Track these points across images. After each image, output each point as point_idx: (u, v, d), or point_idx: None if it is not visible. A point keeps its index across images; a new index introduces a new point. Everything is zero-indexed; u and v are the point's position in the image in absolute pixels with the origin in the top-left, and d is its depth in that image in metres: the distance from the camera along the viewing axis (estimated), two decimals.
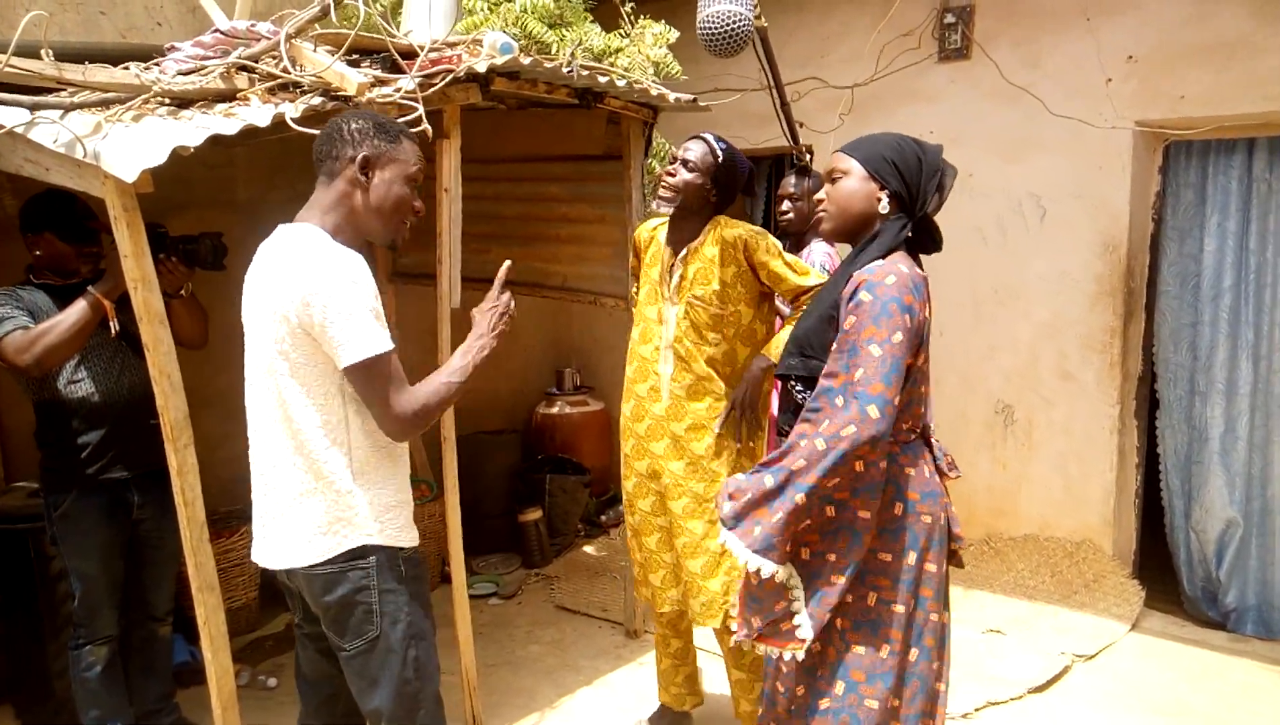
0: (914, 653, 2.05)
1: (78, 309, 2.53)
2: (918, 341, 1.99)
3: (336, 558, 1.94)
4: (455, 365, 2.05)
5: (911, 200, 2.05)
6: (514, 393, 5.52)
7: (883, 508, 2.00)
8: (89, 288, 2.56)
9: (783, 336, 2.68)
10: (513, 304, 2.23)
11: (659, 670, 3.14)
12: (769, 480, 1.94)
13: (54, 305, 2.64)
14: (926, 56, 4.43)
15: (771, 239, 2.72)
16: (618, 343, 5.25)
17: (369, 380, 1.88)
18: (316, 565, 1.95)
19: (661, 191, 2.74)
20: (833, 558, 1.98)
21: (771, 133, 4.77)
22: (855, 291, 1.96)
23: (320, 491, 1.93)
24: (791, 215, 3.55)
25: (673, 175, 2.71)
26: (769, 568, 1.94)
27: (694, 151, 2.71)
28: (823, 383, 1.95)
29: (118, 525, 2.80)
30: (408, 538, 2.06)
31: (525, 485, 4.89)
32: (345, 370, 1.87)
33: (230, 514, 4.00)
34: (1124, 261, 4.02)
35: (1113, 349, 4.09)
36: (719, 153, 2.71)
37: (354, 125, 1.96)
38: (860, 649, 2.02)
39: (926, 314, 2.04)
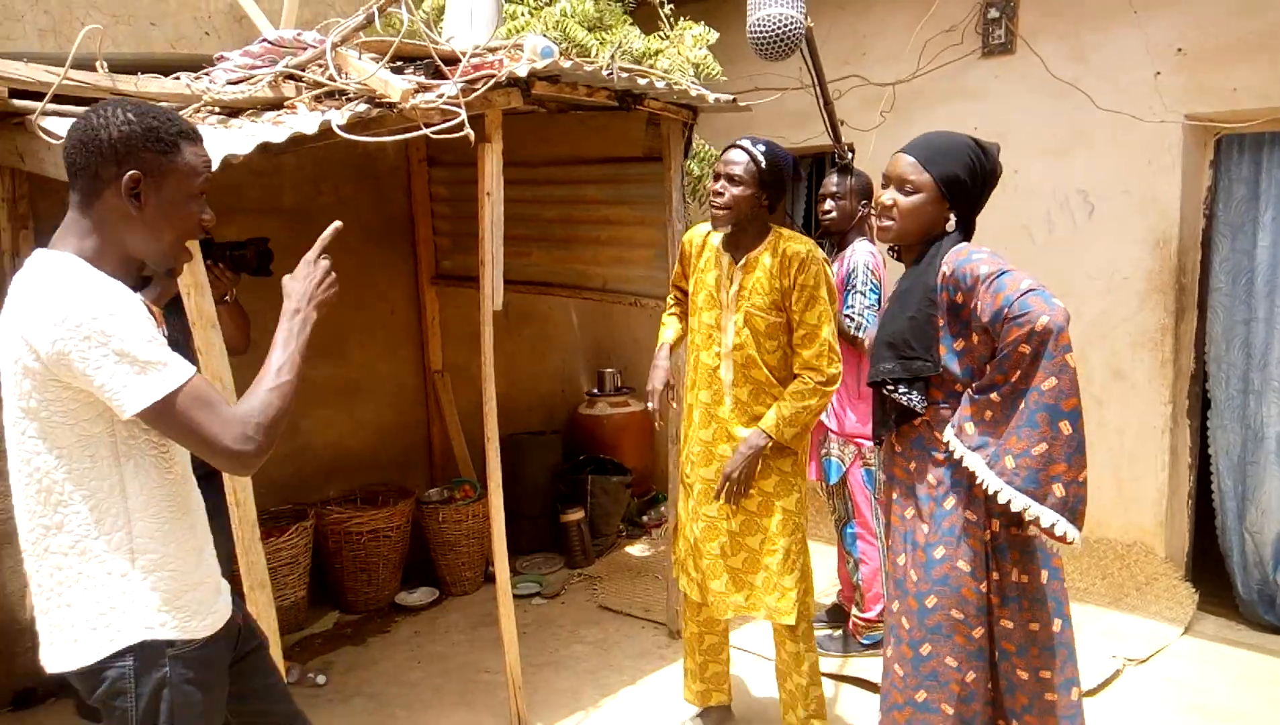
0: (1057, 623, 2.11)
1: None
2: None
3: (107, 658, 1.58)
4: (276, 362, 1.65)
5: (971, 210, 2.15)
6: (555, 394, 5.55)
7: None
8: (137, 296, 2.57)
9: (779, 412, 2.66)
10: (333, 272, 1.80)
11: (686, 668, 3.12)
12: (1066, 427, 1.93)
13: None
14: (969, 52, 4.37)
15: (828, 277, 2.69)
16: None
17: (173, 421, 1.51)
18: (86, 667, 1.59)
19: (714, 212, 2.68)
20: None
21: (812, 131, 4.75)
22: (980, 282, 1.99)
23: (88, 579, 1.57)
24: (834, 214, 3.52)
25: (720, 193, 2.66)
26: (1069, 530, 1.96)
27: (737, 165, 2.65)
28: (1012, 343, 1.95)
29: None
30: (201, 624, 1.67)
31: (567, 486, 4.91)
32: (138, 418, 1.51)
33: (280, 513, 4.08)
34: (1175, 258, 3.94)
35: (1164, 347, 4.01)
36: (760, 157, 2.65)
37: (114, 132, 1.54)
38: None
39: None
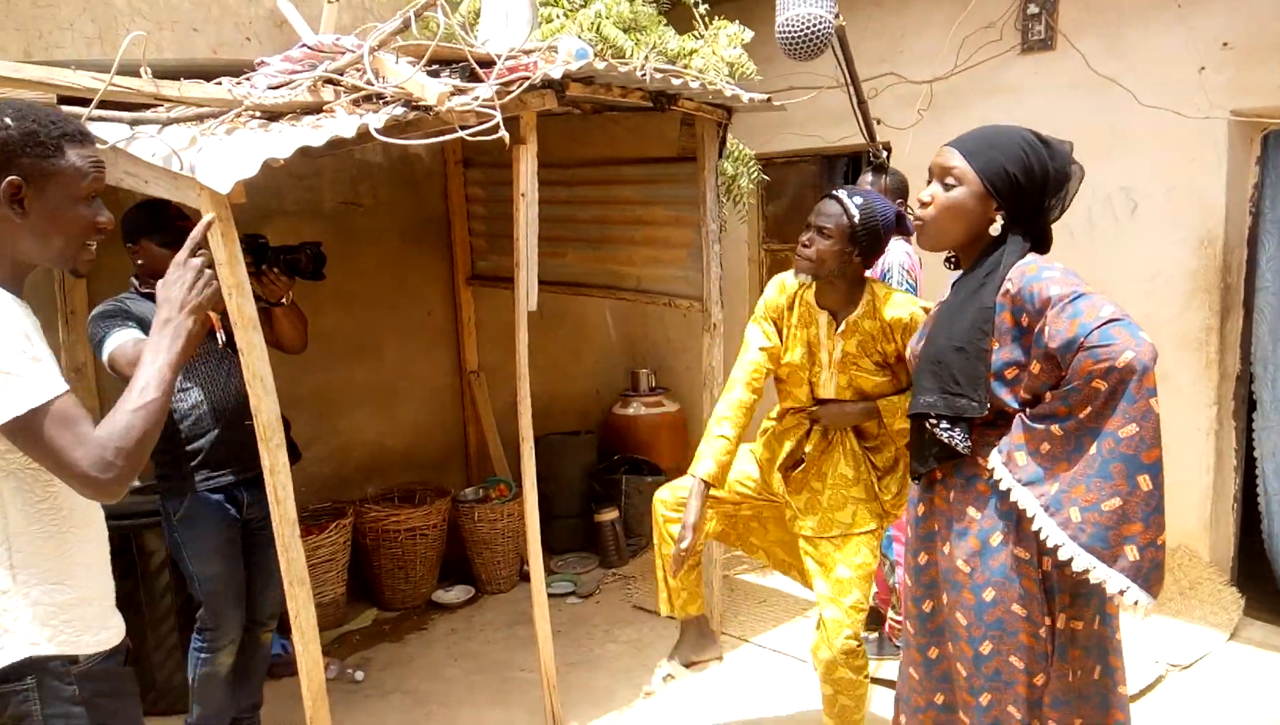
0: (1097, 670, 1.95)
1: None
2: None
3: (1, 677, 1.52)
4: (141, 381, 1.55)
5: (1030, 215, 1.88)
6: (589, 394, 5.57)
7: None
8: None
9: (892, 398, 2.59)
10: (210, 270, 1.73)
11: (668, 586, 2.87)
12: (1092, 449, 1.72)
13: None
14: (1009, 49, 4.32)
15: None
16: (692, 344, 5.27)
17: (32, 439, 1.45)
18: None
19: (799, 263, 2.56)
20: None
21: (847, 130, 4.72)
22: (1050, 305, 1.75)
23: None
24: None
25: (808, 245, 2.53)
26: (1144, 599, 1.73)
27: (829, 218, 2.51)
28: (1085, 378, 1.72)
29: (233, 527, 2.87)
30: (94, 640, 1.61)
31: (601, 486, 4.93)
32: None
33: (320, 511, 4.13)
34: (1220, 256, 3.86)
35: (1209, 347, 3.93)
36: (855, 211, 2.49)
37: None
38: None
39: None
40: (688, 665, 3.04)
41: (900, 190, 3.50)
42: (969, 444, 1.88)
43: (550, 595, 3.89)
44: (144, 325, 2.58)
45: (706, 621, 3.09)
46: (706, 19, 3.66)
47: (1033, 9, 4.20)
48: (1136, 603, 1.71)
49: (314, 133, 2.41)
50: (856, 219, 2.48)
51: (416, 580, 4.28)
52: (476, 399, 4.84)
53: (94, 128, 2.45)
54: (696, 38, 3.64)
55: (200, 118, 2.54)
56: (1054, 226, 4.69)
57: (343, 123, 2.48)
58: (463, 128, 2.55)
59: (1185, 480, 4.04)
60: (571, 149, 4.19)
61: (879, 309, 2.56)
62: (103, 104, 2.44)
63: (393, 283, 4.55)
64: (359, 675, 3.66)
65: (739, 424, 2.64)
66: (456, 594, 4.39)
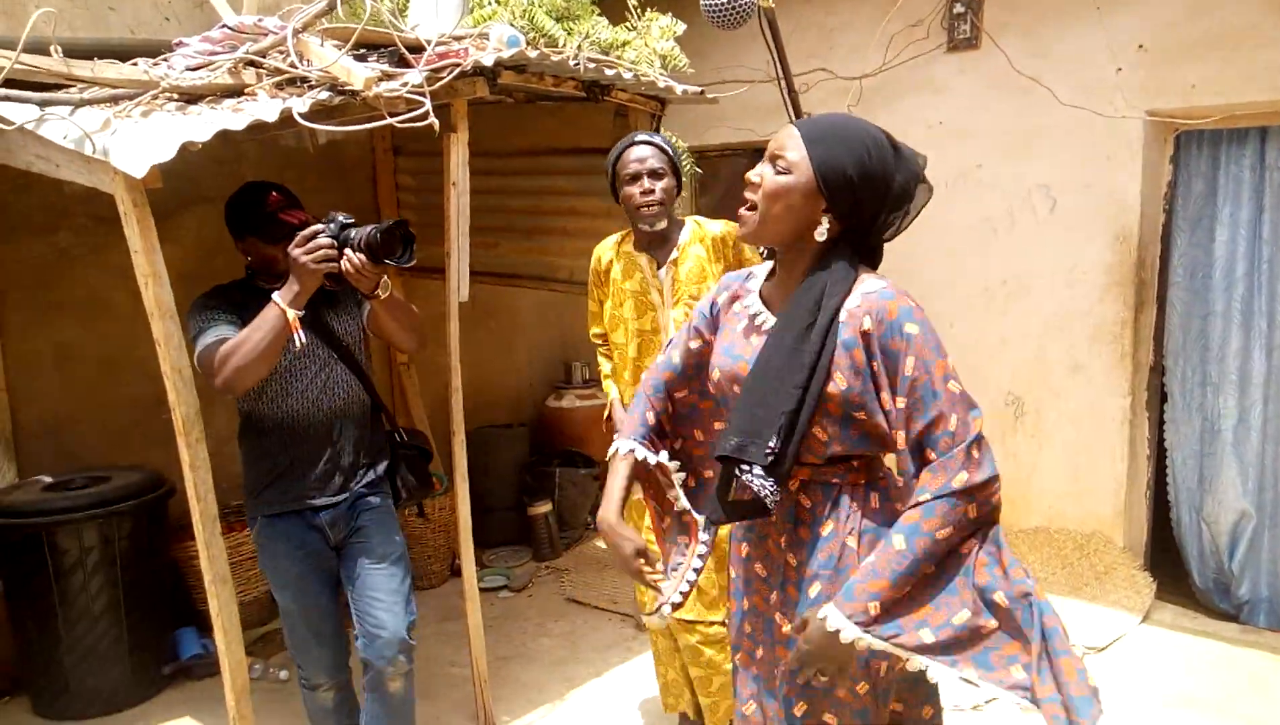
0: None
1: (263, 323, 2.21)
2: None
3: None
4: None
5: (862, 227, 1.62)
6: (522, 386, 5.53)
7: None
8: (273, 297, 2.23)
9: None
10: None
11: (666, 682, 2.95)
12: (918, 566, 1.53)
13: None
14: (935, 46, 4.40)
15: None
16: None
17: None
18: None
19: (645, 211, 2.74)
20: None
21: (779, 123, 4.75)
22: (886, 325, 1.55)
23: None
24: None
25: (649, 191, 2.72)
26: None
27: (655, 158, 2.76)
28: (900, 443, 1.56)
29: (313, 557, 2.50)
30: None
31: (535, 478, 4.90)
32: None
33: (241, 507, 4.01)
34: (1135, 252, 4.00)
35: (1123, 340, 4.07)
36: (667, 146, 2.79)
37: None
38: None
39: None
40: None
41: None
42: (778, 497, 1.60)
43: (483, 589, 3.86)
44: (245, 320, 2.29)
45: None
46: (639, 10, 3.65)
47: (958, 8, 4.29)
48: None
49: (234, 116, 2.34)
50: (671, 150, 2.79)
51: None
52: (406, 391, 4.76)
53: (0, 107, 2.34)
54: (629, 29, 3.63)
55: (115, 99, 2.45)
56: (977, 224, 4.79)
57: (265, 106, 2.41)
58: (392, 115, 2.50)
59: (1099, 469, 4.18)
60: (504, 138, 4.15)
61: (704, 232, 2.82)
62: (9, 83, 2.33)
63: None
64: (284, 674, 3.58)
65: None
66: None
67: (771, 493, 1.57)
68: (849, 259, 1.62)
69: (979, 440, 1.54)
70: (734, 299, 1.81)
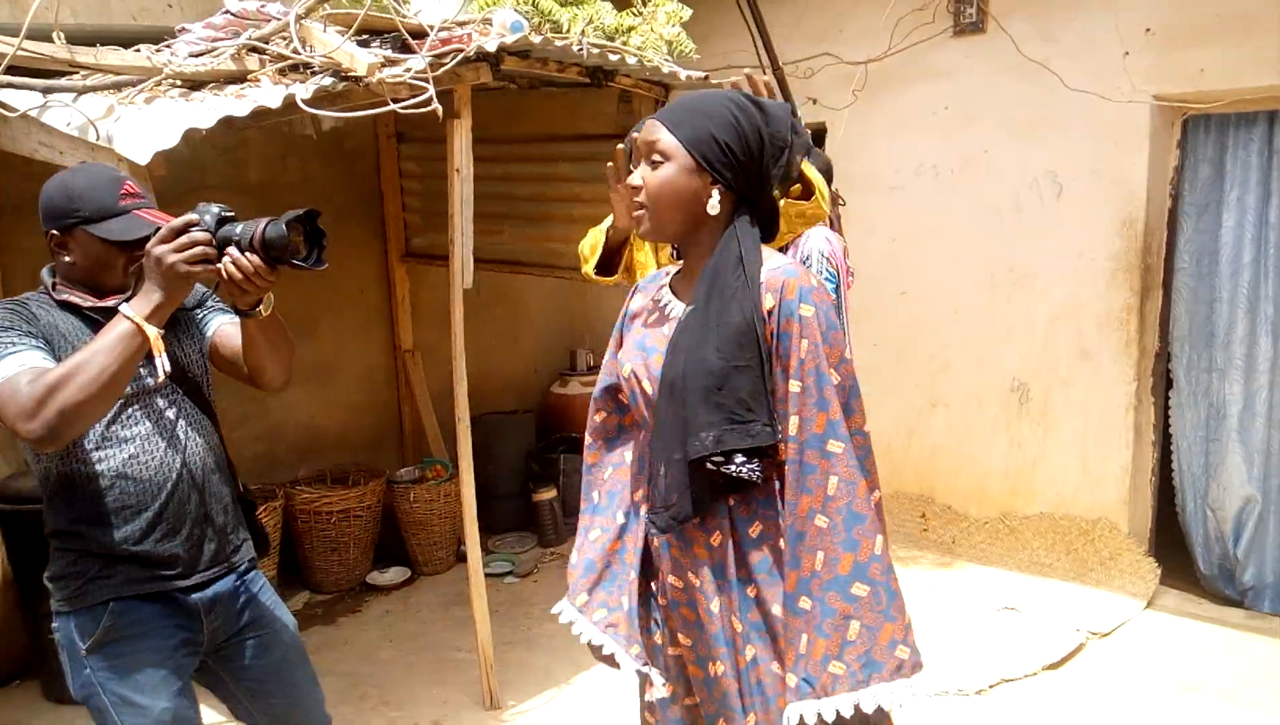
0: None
1: (110, 343, 1.61)
2: None
3: None
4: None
5: (752, 190, 1.61)
6: (527, 373, 5.53)
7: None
8: (120, 309, 1.64)
9: None
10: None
11: None
12: (865, 588, 1.49)
13: (87, 334, 1.77)
14: (941, 31, 4.38)
15: None
16: None
17: None
18: None
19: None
20: None
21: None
22: (784, 303, 1.52)
23: None
24: None
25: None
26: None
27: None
28: (838, 434, 1.49)
29: (181, 654, 1.87)
30: None
31: (540, 465, 4.91)
32: None
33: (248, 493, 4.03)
34: (1141, 238, 3.98)
35: (1129, 326, 4.06)
36: None
37: None
38: None
39: None
40: None
41: (824, 171, 3.45)
42: (762, 472, 1.54)
43: (488, 575, 3.87)
44: (53, 345, 1.74)
45: None
46: None
47: None
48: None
49: (237, 103, 2.34)
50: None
51: (350, 563, 4.22)
52: (412, 378, 4.77)
53: (3, 94, 2.34)
54: (635, 14, 3.61)
55: (118, 86, 2.45)
56: (983, 210, 4.77)
57: (268, 93, 2.41)
58: (395, 101, 2.50)
59: (1105, 455, 4.18)
60: (508, 124, 4.14)
61: None
62: (12, 69, 2.33)
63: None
64: None
65: None
66: (392, 575, 4.34)
67: (759, 472, 1.53)
68: (750, 226, 1.61)
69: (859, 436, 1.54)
70: (643, 299, 1.78)
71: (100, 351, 1.60)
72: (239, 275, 1.67)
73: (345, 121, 2.53)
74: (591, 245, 2.59)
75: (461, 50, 2.66)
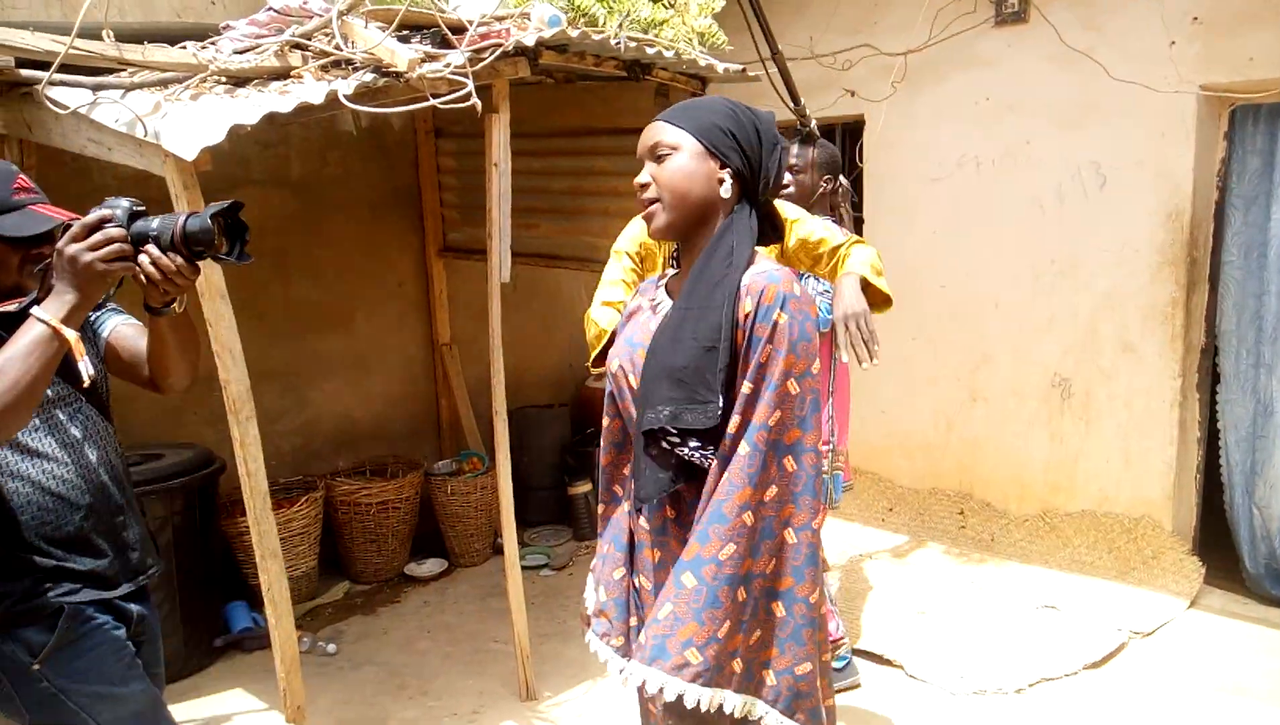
0: None
1: (25, 348, 1.52)
2: None
3: None
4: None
5: (755, 180, 1.65)
6: (563, 367, 5.55)
7: None
8: (33, 312, 1.55)
9: (859, 256, 2.41)
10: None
11: None
12: (689, 580, 1.54)
13: None
14: (983, 20, 4.32)
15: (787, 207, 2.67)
16: None
17: None
18: None
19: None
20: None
21: (823, 101, 4.72)
22: (761, 308, 1.54)
23: None
24: (793, 188, 3.21)
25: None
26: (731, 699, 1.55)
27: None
28: (750, 439, 1.52)
29: (132, 648, 1.85)
30: None
31: (574, 458, 4.93)
32: None
33: (290, 484, 4.10)
34: (1187, 230, 3.90)
35: (1175, 320, 3.98)
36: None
37: None
38: None
39: None
40: None
41: (830, 164, 3.31)
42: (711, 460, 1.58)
43: (523, 568, 3.89)
44: None
45: None
46: None
47: None
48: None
49: (281, 99, 2.37)
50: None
51: (389, 553, 4.27)
52: (449, 371, 4.81)
53: (55, 92, 2.39)
54: (667, 6, 3.60)
55: (165, 83, 2.49)
56: (1024, 202, 4.70)
57: (311, 89, 2.44)
58: (434, 96, 2.51)
59: (1149, 451, 4.11)
60: (544, 119, 4.15)
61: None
62: (64, 68, 2.38)
63: (363, 253, 4.50)
64: (331, 648, 3.65)
65: None
66: (429, 567, 4.39)
67: (709, 459, 1.57)
68: (749, 220, 1.64)
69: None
70: (640, 299, 1.80)
71: (15, 358, 1.51)
72: (157, 274, 1.57)
73: (384, 117, 2.54)
74: (596, 334, 2.65)
75: (500, 45, 2.67)
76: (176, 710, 3.20)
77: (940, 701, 3.17)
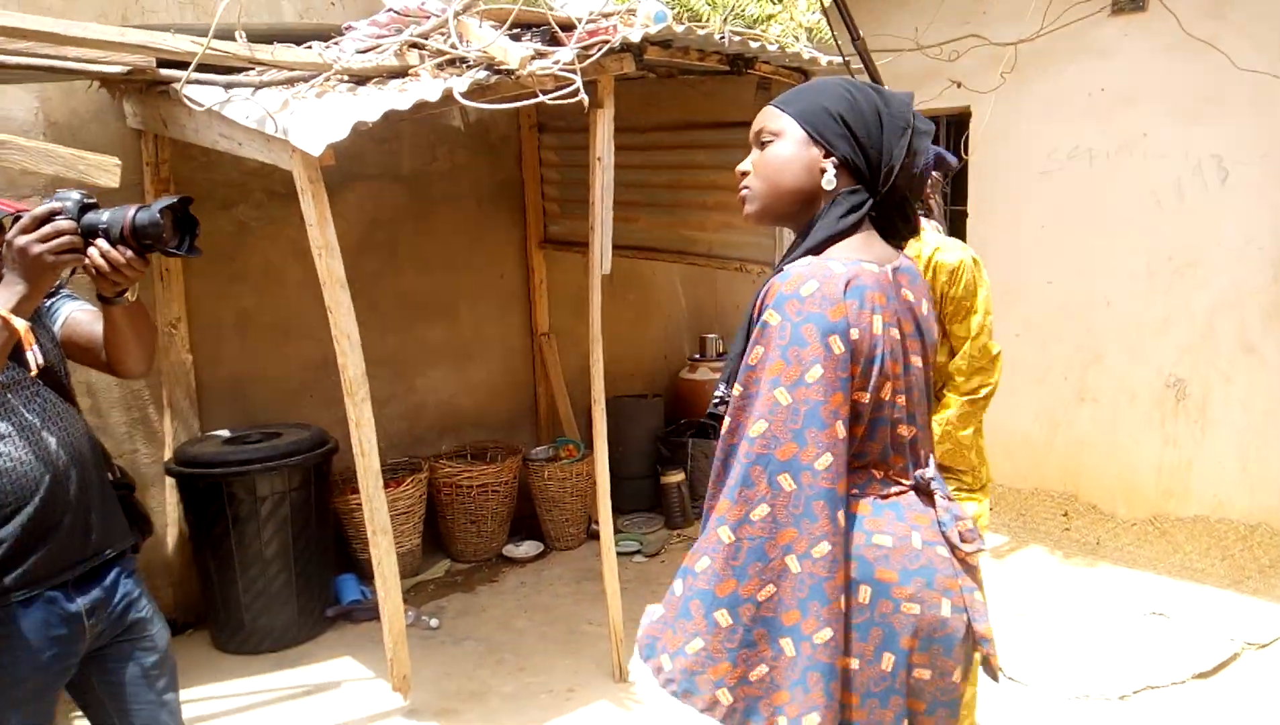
0: None
1: None
2: (863, 370, 1.41)
3: None
4: None
5: (872, 169, 1.49)
6: (658, 358, 5.61)
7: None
8: None
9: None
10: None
11: None
12: (677, 587, 1.46)
13: None
14: (1099, 9, 4.18)
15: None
16: None
17: None
18: None
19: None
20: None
21: (929, 92, 4.64)
22: (761, 306, 1.45)
23: None
24: None
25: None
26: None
27: None
28: (736, 448, 1.43)
29: (62, 660, 1.76)
30: None
31: (668, 448, 4.98)
32: None
33: (397, 466, 4.27)
34: None
35: None
36: None
37: None
38: None
39: (881, 329, 1.42)
40: None
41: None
42: None
43: (617, 553, 3.97)
44: None
45: None
46: None
47: None
48: None
49: (400, 96, 2.47)
50: None
51: (488, 534, 4.40)
52: (547, 361, 4.91)
53: (192, 90, 2.55)
54: (774, 2, 3.61)
55: (291, 81, 2.62)
56: (1141, 196, 4.54)
57: (428, 86, 2.54)
58: (543, 92, 2.58)
59: (1268, 456, 3.94)
60: (646, 113, 4.19)
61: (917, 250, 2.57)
62: (199, 68, 2.53)
63: (468, 245, 4.63)
64: (434, 622, 3.79)
65: None
66: (526, 549, 4.50)
67: None
68: (844, 209, 1.49)
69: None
70: None
71: None
72: (107, 266, 1.62)
73: (491, 112, 2.62)
74: None
75: (607, 41, 2.72)
76: (289, 675, 3.43)
77: (1040, 705, 3.11)
